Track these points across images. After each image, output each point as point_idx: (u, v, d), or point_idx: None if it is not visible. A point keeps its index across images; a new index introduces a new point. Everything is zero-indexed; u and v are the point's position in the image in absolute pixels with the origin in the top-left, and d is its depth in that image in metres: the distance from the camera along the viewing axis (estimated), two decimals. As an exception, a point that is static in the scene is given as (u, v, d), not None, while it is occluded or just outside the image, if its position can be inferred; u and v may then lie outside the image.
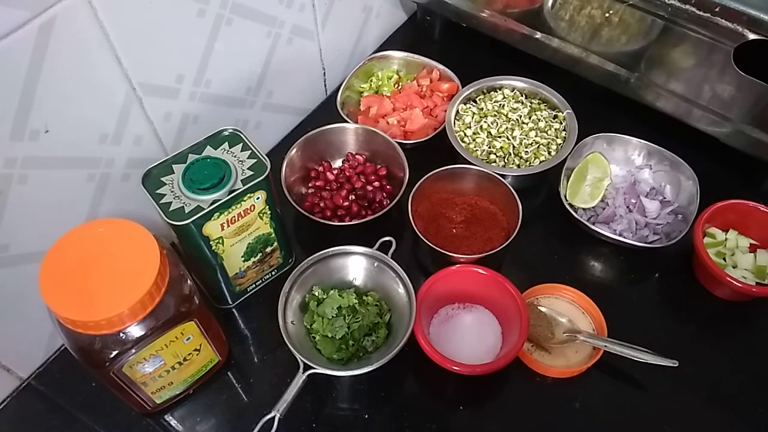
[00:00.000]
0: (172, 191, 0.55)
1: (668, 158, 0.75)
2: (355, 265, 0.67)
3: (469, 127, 0.80)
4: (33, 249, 0.56)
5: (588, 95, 0.80)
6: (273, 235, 0.64)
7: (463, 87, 0.84)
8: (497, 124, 0.79)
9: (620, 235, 0.72)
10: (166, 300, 0.50)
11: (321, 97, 0.90)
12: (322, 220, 0.71)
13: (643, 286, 0.72)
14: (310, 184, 0.77)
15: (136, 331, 0.49)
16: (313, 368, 0.58)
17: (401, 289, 0.65)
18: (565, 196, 0.74)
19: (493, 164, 0.77)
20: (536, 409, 0.63)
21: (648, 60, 0.73)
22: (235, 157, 0.58)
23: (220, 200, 0.55)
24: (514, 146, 0.78)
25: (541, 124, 0.79)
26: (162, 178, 0.56)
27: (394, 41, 0.98)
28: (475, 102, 0.84)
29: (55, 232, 0.49)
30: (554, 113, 0.81)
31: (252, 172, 0.57)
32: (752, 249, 0.71)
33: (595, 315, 0.66)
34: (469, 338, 0.65)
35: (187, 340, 0.55)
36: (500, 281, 0.64)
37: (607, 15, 0.72)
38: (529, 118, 0.80)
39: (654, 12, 0.68)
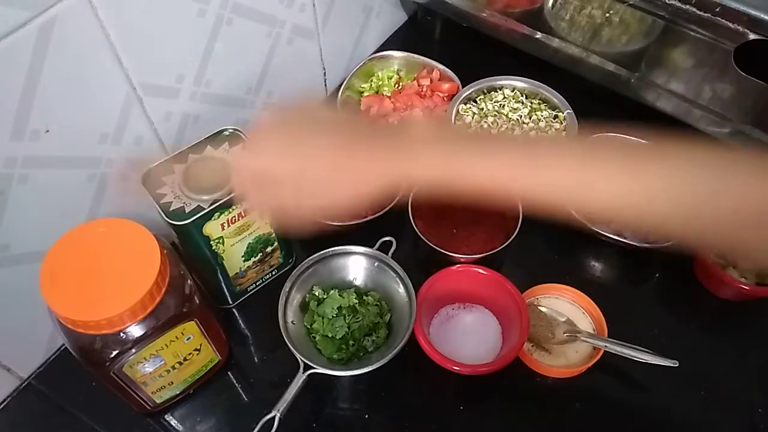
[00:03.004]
0: (172, 191, 0.55)
1: (668, 158, 0.75)
2: (356, 265, 0.67)
3: (470, 127, 0.80)
4: (33, 249, 0.56)
5: (588, 95, 0.80)
6: (273, 234, 0.64)
7: (463, 87, 0.84)
8: (497, 124, 0.79)
9: (620, 235, 0.72)
10: (167, 300, 0.50)
11: (321, 97, 0.90)
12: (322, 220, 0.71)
13: (643, 286, 0.72)
14: (310, 184, 0.77)
15: (136, 330, 0.49)
16: (313, 368, 0.58)
17: (401, 289, 0.65)
18: (566, 196, 0.74)
19: (494, 164, 0.76)
20: (536, 409, 0.63)
21: (648, 60, 0.73)
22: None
23: (220, 200, 0.55)
24: (514, 146, 0.78)
25: (542, 125, 0.79)
26: (162, 178, 0.56)
27: (394, 41, 0.98)
28: (476, 102, 0.84)
29: (55, 232, 0.49)
30: (554, 113, 0.81)
31: (252, 172, 0.57)
32: (752, 249, 0.71)
33: (595, 315, 0.66)
34: (469, 338, 0.65)
35: (188, 339, 0.55)
36: (500, 281, 0.64)
37: (607, 15, 0.72)
38: (530, 118, 0.80)
39: (654, 12, 0.68)
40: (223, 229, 0.58)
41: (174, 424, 0.62)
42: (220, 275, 0.63)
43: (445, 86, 0.86)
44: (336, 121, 0.45)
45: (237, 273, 0.65)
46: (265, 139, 0.44)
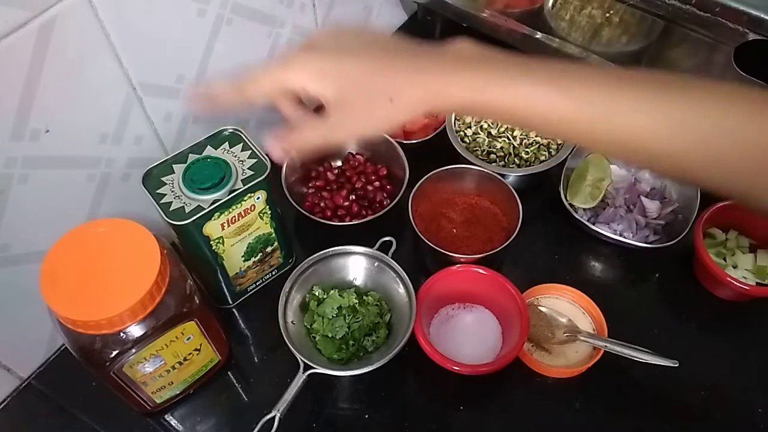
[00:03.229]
0: (172, 191, 0.55)
1: (668, 158, 0.75)
2: (356, 265, 0.67)
3: (470, 127, 0.80)
4: (33, 249, 0.56)
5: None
6: (273, 235, 0.64)
7: (463, 87, 0.83)
8: (497, 124, 0.79)
9: (620, 235, 0.72)
10: (167, 300, 0.50)
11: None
12: (322, 220, 0.71)
13: (643, 286, 0.72)
14: (310, 184, 0.77)
15: (136, 330, 0.49)
16: (313, 368, 0.58)
17: (401, 289, 0.65)
18: (566, 196, 0.74)
19: (494, 164, 0.77)
20: (536, 409, 0.63)
21: (648, 60, 0.73)
22: (235, 156, 0.58)
23: (220, 200, 0.55)
24: (514, 146, 0.78)
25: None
26: (162, 178, 0.56)
27: (394, 41, 0.98)
28: (476, 102, 0.83)
29: (55, 232, 0.49)
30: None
31: (252, 172, 0.57)
32: (752, 249, 0.71)
33: (595, 315, 0.66)
34: (469, 338, 0.65)
35: (188, 339, 0.55)
36: (500, 281, 0.64)
37: (607, 15, 0.72)
38: (530, 118, 0.80)
39: (654, 12, 0.68)
40: (223, 229, 0.58)
41: (174, 424, 0.62)
42: (220, 275, 0.63)
43: (445, 86, 0.86)
44: (375, 43, 0.44)
45: (237, 273, 0.65)
46: (307, 62, 0.43)
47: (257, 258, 0.65)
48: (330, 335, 0.63)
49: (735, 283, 0.65)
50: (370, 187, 0.75)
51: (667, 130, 0.39)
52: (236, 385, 0.65)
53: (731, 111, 0.39)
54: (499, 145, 0.78)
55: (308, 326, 0.64)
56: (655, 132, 0.39)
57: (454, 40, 0.43)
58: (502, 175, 0.72)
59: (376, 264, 0.67)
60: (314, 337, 0.64)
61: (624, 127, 0.40)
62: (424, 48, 0.44)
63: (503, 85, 0.40)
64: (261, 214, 0.60)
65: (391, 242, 0.68)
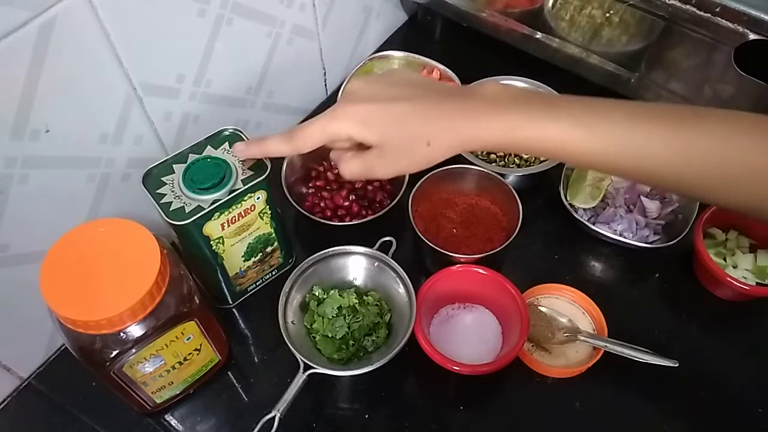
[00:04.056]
0: (172, 191, 0.55)
1: (668, 158, 0.75)
2: (356, 265, 0.67)
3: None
4: (33, 249, 0.56)
5: (588, 95, 0.80)
6: (273, 235, 0.64)
7: (463, 87, 0.84)
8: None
9: (620, 235, 0.72)
10: (167, 300, 0.50)
11: (321, 97, 0.90)
12: (322, 220, 0.71)
13: (643, 286, 0.72)
14: (310, 184, 0.77)
15: (136, 330, 0.49)
16: (314, 368, 0.58)
17: (401, 289, 0.65)
18: (566, 196, 0.74)
19: (494, 164, 0.77)
20: (536, 409, 0.63)
21: (648, 60, 0.73)
22: (235, 156, 0.58)
23: (220, 200, 0.55)
24: (514, 146, 0.78)
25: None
26: (162, 178, 0.56)
27: (394, 41, 0.98)
28: (476, 102, 0.83)
29: (55, 232, 0.49)
30: (554, 113, 0.81)
31: (252, 172, 0.57)
32: (752, 249, 0.71)
33: (595, 315, 0.66)
34: (469, 338, 0.65)
35: (188, 339, 0.55)
36: (500, 281, 0.64)
37: (607, 15, 0.72)
38: (530, 118, 0.80)
39: (654, 12, 0.68)
40: (223, 229, 0.58)
41: (174, 424, 0.62)
42: (220, 275, 0.63)
43: (445, 86, 0.86)
44: (409, 86, 0.48)
45: (237, 273, 0.65)
46: (351, 103, 0.47)
47: (257, 258, 0.65)
48: (330, 335, 0.63)
49: (735, 283, 0.65)
50: (370, 187, 0.75)
51: (682, 159, 0.43)
52: (236, 385, 0.65)
53: (739, 137, 0.43)
54: (499, 145, 0.78)
55: (308, 326, 0.64)
56: (672, 161, 0.44)
57: (481, 83, 0.48)
58: (502, 175, 0.72)
59: (376, 264, 0.67)
60: (314, 337, 0.64)
61: (643, 158, 0.44)
62: (454, 91, 0.48)
63: (531, 128, 0.45)
64: (261, 214, 0.60)
65: (391, 242, 0.68)
